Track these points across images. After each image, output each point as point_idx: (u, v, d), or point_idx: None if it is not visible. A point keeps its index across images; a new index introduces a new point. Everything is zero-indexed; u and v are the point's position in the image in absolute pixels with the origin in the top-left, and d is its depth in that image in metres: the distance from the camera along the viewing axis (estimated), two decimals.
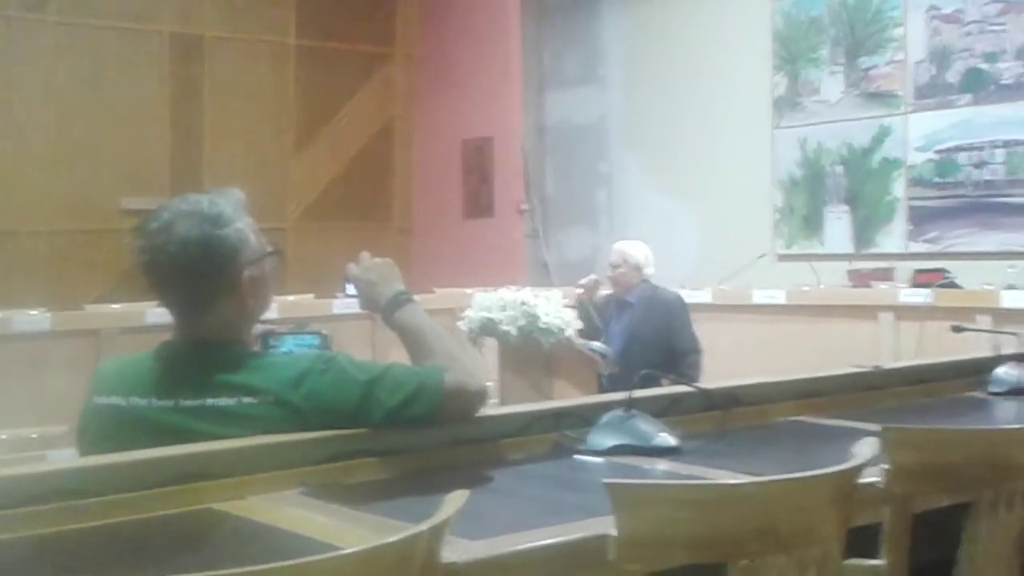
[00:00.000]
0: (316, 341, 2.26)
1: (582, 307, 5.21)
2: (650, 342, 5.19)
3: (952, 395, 2.77)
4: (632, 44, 8.54)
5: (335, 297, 6.03)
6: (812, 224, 7.43)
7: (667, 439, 2.06)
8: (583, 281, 5.47)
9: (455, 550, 1.32)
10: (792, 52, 7.54)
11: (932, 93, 6.85)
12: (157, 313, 5.41)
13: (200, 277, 1.95)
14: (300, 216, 8.63)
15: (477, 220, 8.62)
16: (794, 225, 7.52)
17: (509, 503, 1.75)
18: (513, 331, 4.68)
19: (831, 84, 7.34)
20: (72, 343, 5.63)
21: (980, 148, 6.62)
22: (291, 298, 6.32)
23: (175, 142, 8.10)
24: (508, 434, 2.07)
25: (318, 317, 5.67)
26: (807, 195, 7.46)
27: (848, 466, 1.48)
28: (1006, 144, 6.52)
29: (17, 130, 7.54)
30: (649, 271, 5.45)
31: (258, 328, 2.12)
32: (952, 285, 5.69)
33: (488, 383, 2.05)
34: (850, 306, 5.93)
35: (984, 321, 4.99)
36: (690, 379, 3.66)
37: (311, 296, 6.53)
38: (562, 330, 4.67)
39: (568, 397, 4.11)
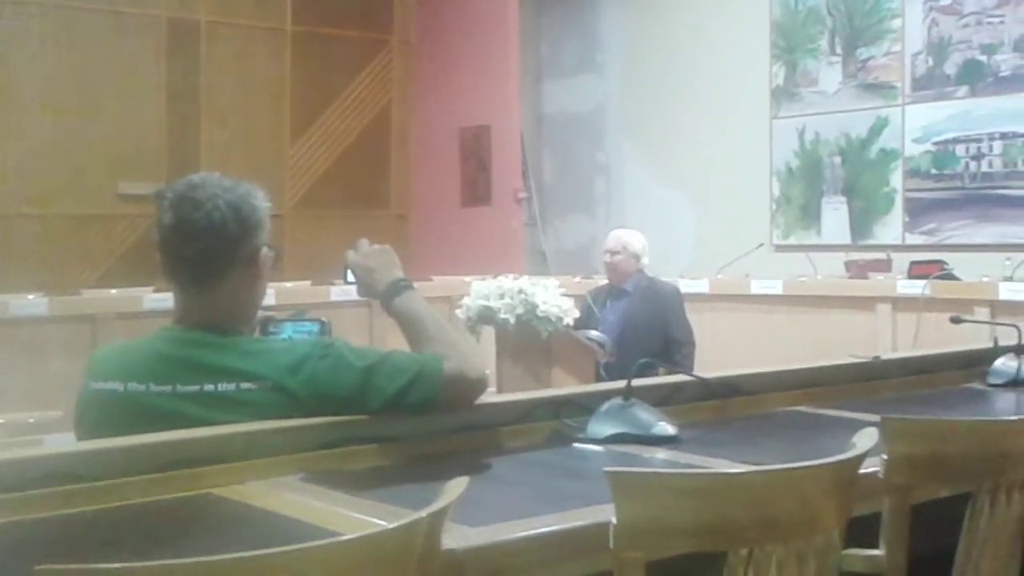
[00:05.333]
0: (316, 328, 2.24)
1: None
2: (646, 331, 5.20)
3: (951, 386, 2.77)
4: (630, 33, 8.53)
5: (332, 284, 6.02)
6: (809, 215, 7.43)
7: (666, 428, 2.05)
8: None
9: (455, 537, 1.33)
10: (790, 42, 7.53)
11: (930, 85, 6.85)
12: (154, 299, 5.52)
13: (225, 238, 1.95)
14: (297, 203, 8.61)
15: (475, 208, 8.60)
16: (791, 215, 7.52)
17: (509, 491, 1.75)
18: (511, 319, 4.67)
19: (829, 75, 7.34)
20: (69, 328, 5.64)
21: (978, 140, 6.62)
22: (288, 285, 6.32)
23: (172, 127, 8.08)
24: (508, 422, 2.06)
25: (315, 304, 5.67)
26: (804, 185, 7.46)
27: (848, 456, 1.47)
28: (1003, 136, 6.53)
29: (14, 114, 7.51)
30: (645, 261, 5.47)
31: (258, 315, 2.11)
32: (950, 277, 5.68)
33: (486, 371, 2.04)
34: (847, 297, 5.93)
35: (982, 313, 4.99)
36: (684, 369, 3.68)
37: (308, 283, 6.52)
38: (560, 318, 4.66)
39: (566, 385, 4.11)
